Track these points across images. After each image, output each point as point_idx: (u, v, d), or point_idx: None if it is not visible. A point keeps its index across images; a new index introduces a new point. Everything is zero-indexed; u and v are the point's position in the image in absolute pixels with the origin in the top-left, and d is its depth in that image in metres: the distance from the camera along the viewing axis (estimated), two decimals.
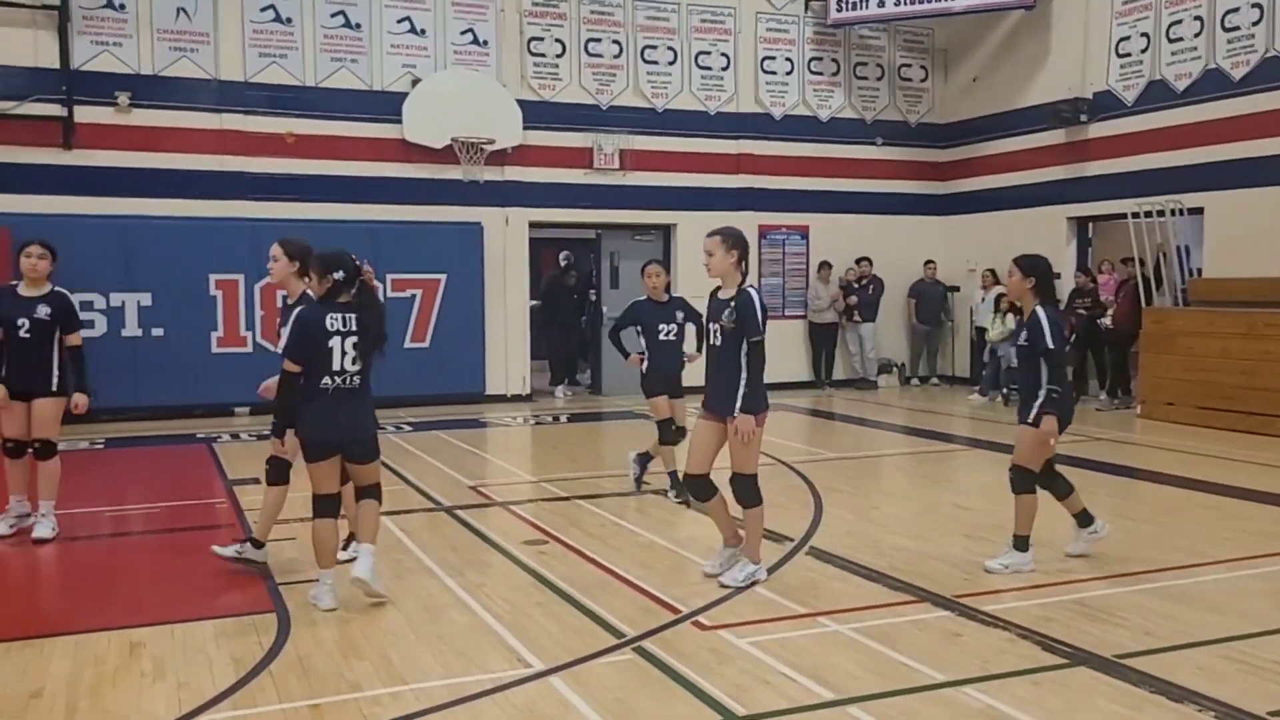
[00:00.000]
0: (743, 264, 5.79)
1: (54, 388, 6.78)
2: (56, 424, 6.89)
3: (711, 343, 5.85)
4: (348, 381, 5.34)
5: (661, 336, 7.89)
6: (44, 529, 6.80)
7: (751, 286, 5.77)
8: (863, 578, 5.93)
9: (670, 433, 7.94)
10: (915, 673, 4.51)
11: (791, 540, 6.80)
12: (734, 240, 5.76)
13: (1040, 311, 6.02)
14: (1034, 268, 6.12)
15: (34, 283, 6.77)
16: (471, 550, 6.68)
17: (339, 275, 5.35)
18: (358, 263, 5.44)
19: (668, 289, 8.06)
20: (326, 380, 5.29)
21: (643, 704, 4.22)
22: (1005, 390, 14.15)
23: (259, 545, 6.08)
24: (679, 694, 4.31)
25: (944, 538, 6.89)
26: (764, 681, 4.41)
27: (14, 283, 6.87)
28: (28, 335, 6.68)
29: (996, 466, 9.78)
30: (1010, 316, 14.47)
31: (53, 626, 5.17)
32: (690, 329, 7.77)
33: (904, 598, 5.57)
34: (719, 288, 5.85)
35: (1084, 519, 6.30)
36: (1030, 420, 6.00)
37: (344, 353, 5.31)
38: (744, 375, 5.68)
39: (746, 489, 5.82)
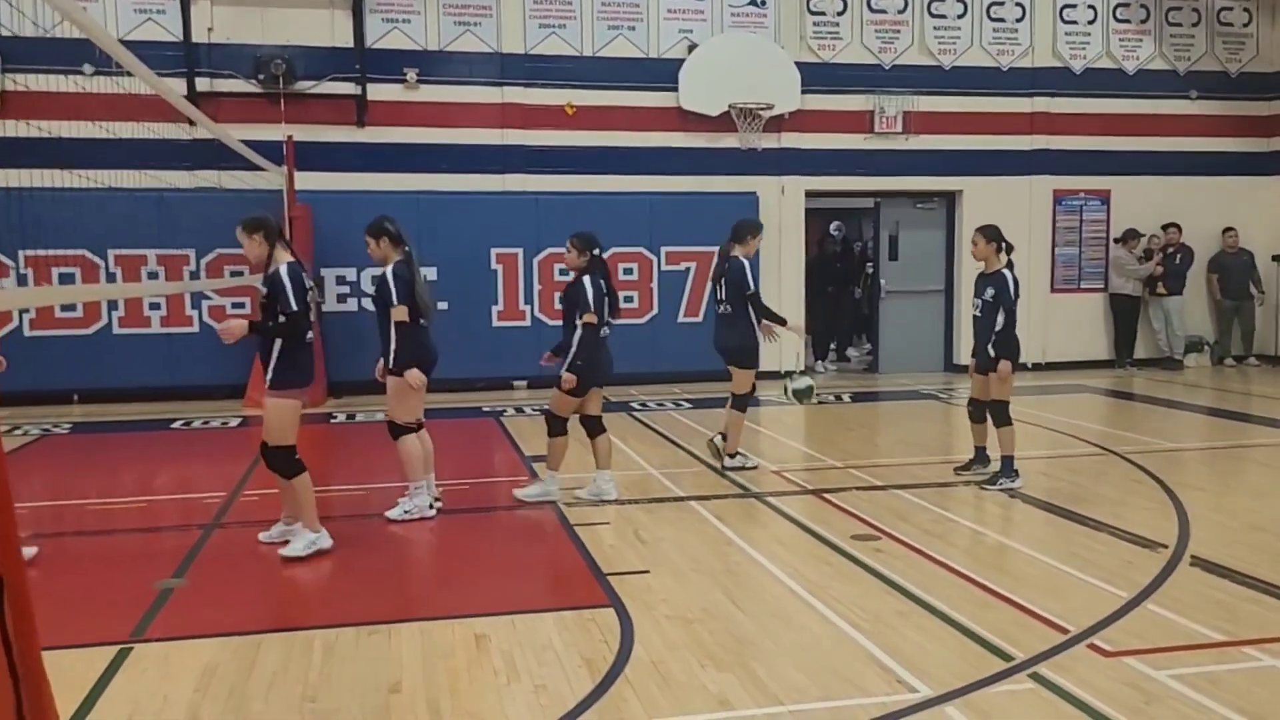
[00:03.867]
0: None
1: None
2: (397, 401, 6.63)
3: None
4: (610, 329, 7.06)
5: None
6: (394, 510, 6.73)
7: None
8: (1278, 599, 5.03)
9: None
10: None
11: (1165, 546, 5.93)
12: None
13: None
14: None
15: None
16: (798, 544, 6.18)
17: (597, 251, 6.93)
18: None
19: None
20: (605, 329, 6.96)
21: None
22: None
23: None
24: None
25: None
26: None
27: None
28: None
29: None
30: None
31: (397, 612, 5.03)
32: None
33: None
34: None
35: None
36: None
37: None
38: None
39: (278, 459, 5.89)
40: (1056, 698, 3.97)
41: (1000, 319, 7.24)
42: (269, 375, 5.74)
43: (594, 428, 7.14)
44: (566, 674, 4.25)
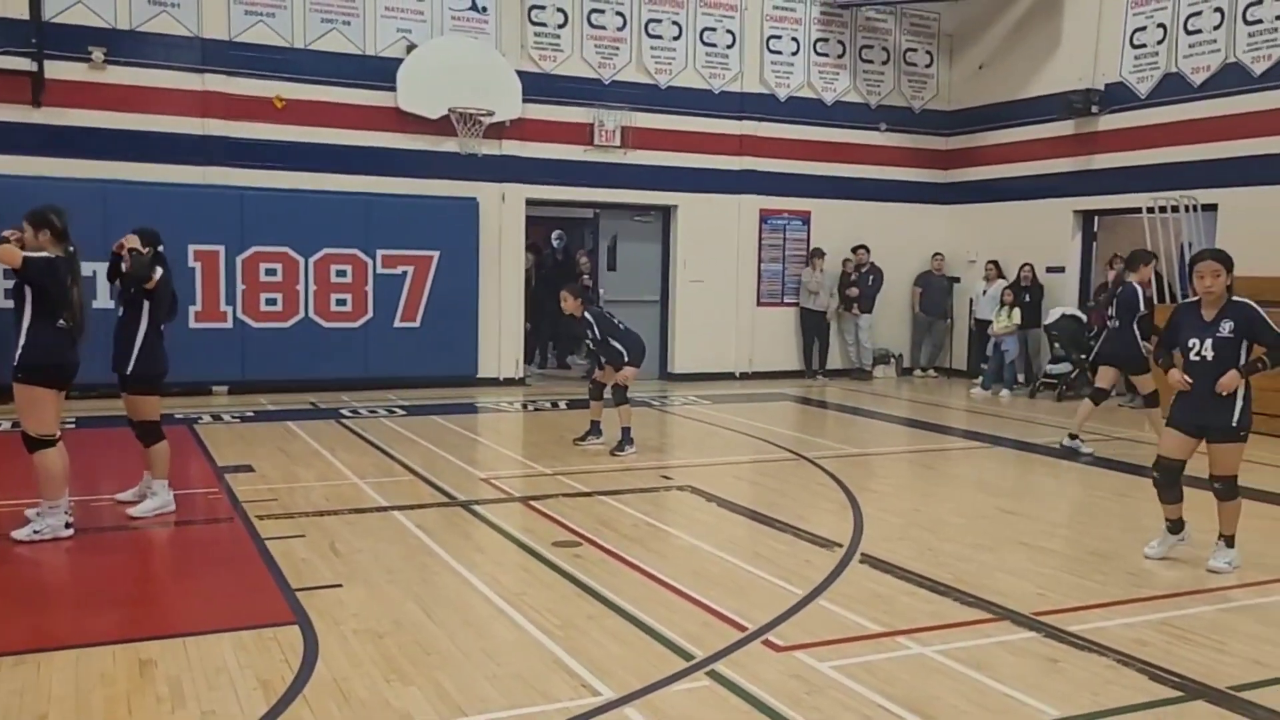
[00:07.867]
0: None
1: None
2: (27, 412, 6.13)
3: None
4: None
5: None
6: (22, 531, 6.09)
7: None
8: (930, 591, 5.50)
9: None
10: (1024, 706, 4.08)
11: (840, 545, 6.36)
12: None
13: (1253, 303, 5.84)
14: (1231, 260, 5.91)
15: None
16: (500, 552, 6.17)
17: (160, 247, 6.75)
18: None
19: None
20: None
21: None
22: (1014, 385, 13.86)
23: None
24: None
25: (1000, 546, 6.48)
26: (864, 716, 3.95)
27: None
28: None
29: (1024, 465, 9.48)
30: (1016, 310, 14.18)
31: (49, 639, 4.59)
32: None
33: (982, 615, 5.14)
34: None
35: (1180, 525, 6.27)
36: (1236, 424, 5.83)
37: None
38: None
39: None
40: (730, 693, 4.15)
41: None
42: None
43: (158, 434, 6.86)
44: (239, 697, 4.02)
